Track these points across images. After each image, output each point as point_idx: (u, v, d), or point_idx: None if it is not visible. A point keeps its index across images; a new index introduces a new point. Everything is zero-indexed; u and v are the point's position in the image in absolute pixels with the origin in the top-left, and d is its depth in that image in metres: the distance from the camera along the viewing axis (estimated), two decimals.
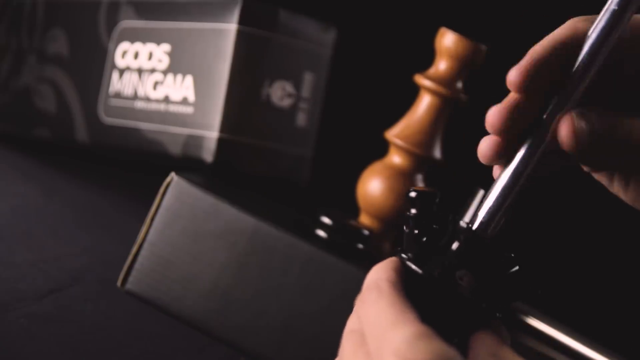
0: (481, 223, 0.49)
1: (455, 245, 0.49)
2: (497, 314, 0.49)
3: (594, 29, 0.49)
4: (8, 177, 0.95)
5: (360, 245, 0.73)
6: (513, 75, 0.50)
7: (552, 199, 0.98)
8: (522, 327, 0.70)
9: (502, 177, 0.50)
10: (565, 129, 0.49)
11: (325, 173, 0.88)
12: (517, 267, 0.49)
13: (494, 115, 0.50)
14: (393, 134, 0.79)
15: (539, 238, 1.00)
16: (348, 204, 0.81)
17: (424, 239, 0.49)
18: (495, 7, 0.99)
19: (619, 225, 0.79)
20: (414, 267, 0.48)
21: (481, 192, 0.52)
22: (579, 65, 0.49)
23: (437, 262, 0.49)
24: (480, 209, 0.49)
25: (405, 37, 1.01)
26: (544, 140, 0.49)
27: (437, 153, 0.79)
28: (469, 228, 0.49)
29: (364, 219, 0.80)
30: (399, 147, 0.79)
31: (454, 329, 0.46)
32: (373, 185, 0.79)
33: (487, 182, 0.51)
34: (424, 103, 0.79)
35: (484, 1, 1.01)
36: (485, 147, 0.51)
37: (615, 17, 0.49)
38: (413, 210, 0.50)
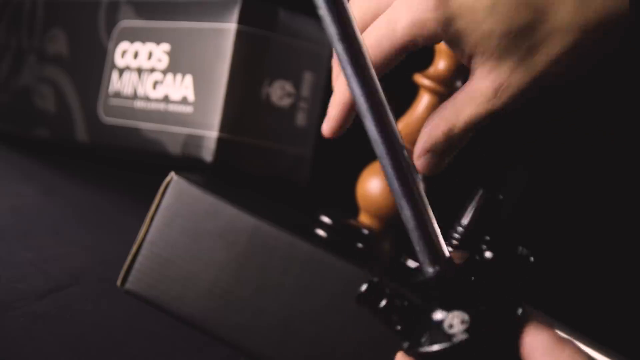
0: (439, 265, 0.49)
1: (438, 315, 0.49)
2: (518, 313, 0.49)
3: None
4: (8, 177, 0.95)
5: (360, 245, 0.73)
6: (326, 131, 0.57)
7: (552, 198, 0.98)
8: None
9: (407, 219, 0.49)
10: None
11: (325, 173, 0.88)
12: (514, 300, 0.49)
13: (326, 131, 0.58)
14: None
15: (539, 238, 1.00)
16: (348, 204, 0.81)
17: (403, 320, 0.49)
18: None
19: (619, 226, 0.79)
20: (426, 350, 0.48)
21: (480, 192, 0.52)
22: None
23: (430, 331, 0.48)
24: (419, 255, 0.49)
25: None
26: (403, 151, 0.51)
27: None
28: (429, 280, 0.49)
29: (364, 219, 0.80)
30: None
31: None
32: (373, 185, 0.79)
33: (488, 183, 0.51)
34: (424, 102, 0.79)
35: None
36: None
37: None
38: (382, 303, 0.49)
